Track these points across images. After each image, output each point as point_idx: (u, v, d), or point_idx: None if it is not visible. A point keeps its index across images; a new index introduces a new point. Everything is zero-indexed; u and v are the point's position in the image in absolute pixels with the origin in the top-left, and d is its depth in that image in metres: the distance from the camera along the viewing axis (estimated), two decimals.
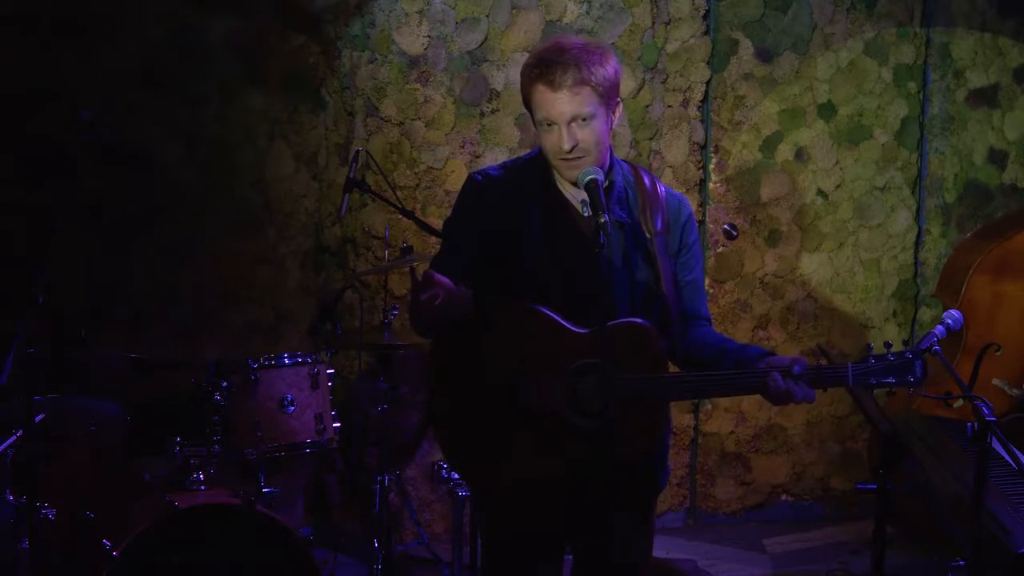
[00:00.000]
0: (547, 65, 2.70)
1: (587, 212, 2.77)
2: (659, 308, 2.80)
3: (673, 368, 2.83)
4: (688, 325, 2.87)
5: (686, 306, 2.88)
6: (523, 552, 2.86)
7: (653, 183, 2.87)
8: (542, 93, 2.70)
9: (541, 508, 2.80)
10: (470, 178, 2.90)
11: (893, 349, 2.69)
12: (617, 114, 2.79)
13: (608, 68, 2.72)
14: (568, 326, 2.72)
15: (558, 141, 2.71)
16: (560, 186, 2.83)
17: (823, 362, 2.73)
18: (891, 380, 2.67)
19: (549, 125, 2.72)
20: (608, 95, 2.72)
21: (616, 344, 2.63)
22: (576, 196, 2.81)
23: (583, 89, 2.68)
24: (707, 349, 2.83)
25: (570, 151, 2.70)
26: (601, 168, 2.76)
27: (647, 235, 2.81)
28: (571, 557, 2.95)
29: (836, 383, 2.71)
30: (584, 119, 2.70)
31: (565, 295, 2.75)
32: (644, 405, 2.71)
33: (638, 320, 2.70)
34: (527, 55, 4.87)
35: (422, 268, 3.09)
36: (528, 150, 4.99)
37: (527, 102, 2.78)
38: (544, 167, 2.84)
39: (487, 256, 2.81)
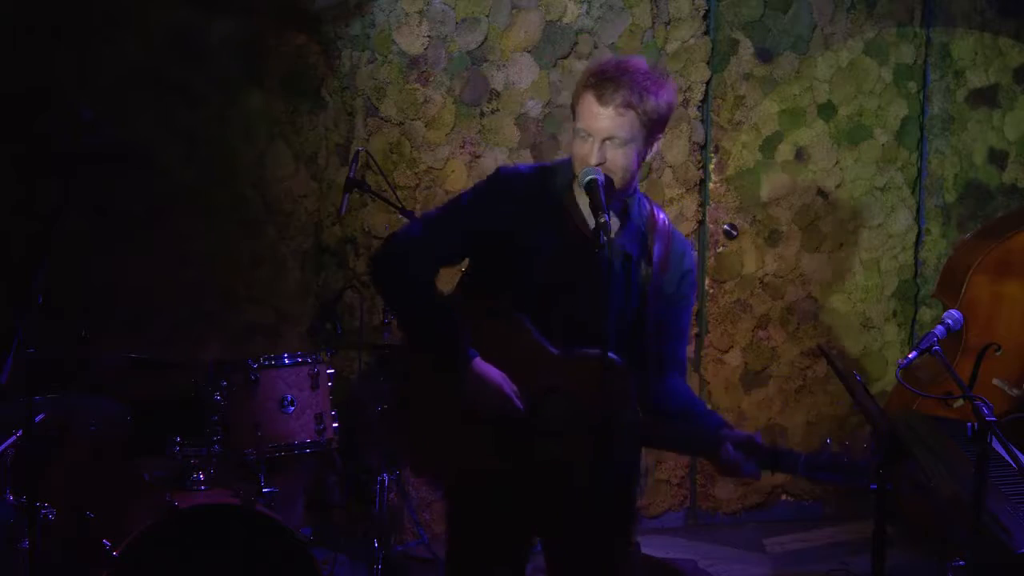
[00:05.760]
0: (602, 78, 2.68)
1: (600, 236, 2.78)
2: (639, 345, 2.79)
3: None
4: (665, 370, 2.86)
5: (666, 350, 2.86)
6: (483, 552, 2.87)
7: (666, 224, 2.86)
8: (588, 103, 2.69)
9: (504, 510, 2.80)
10: (499, 170, 2.88)
11: (851, 453, 2.66)
12: (655, 148, 2.76)
13: (661, 100, 2.70)
14: (545, 344, 2.73)
15: (587, 153, 2.70)
16: (579, 201, 2.81)
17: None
18: (839, 479, 2.65)
19: (585, 136, 2.71)
20: (652, 126, 2.71)
21: (587, 373, 2.62)
22: (590, 217, 2.77)
23: (628, 112, 2.66)
24: (674, 403, 2.83)
25: (595, 167, 2.68)
26: (623, 193, 2.76)
27: (646, 274, 2.80)
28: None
29: (785, 468, 2.69)
30: (620, 142, 2.68)
31: (562, 310, 2.75)
32: (600, 437, 2.67)
33: (612, 356, 2.63)
34: (527, 55, 4.96)
35: None
36: (528, 150, 5.04)
37: (572, 108, 2.76)
38: (567, 179, 2.82)
39: (485, 242, 2.80)
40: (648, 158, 2.79)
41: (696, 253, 2.94)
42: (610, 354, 2.62)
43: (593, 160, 2.69)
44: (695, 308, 5.22)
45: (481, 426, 2.74)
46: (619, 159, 2.70)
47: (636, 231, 2.81)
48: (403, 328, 2.99)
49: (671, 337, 2.87)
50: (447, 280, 2.96)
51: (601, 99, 2.67)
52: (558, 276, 2.77)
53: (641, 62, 2.76)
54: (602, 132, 2.68)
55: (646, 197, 2.90)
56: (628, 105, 2.66)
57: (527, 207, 2.78)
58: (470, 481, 2.80)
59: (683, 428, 2.75)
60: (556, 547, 2.92)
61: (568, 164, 2.83)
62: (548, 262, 2.77)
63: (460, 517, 2.92)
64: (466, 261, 2.94)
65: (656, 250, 2.81)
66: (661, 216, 2.87)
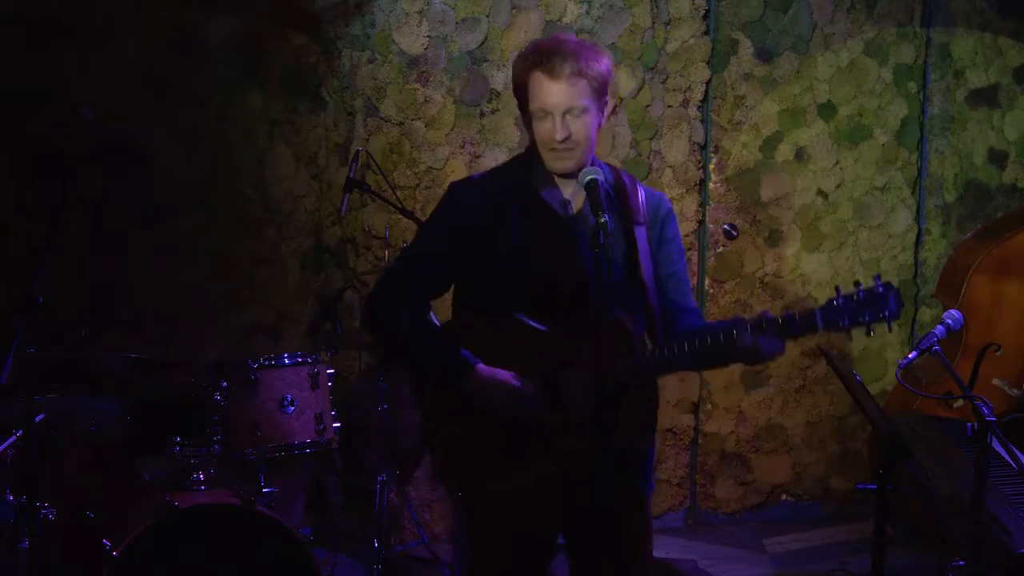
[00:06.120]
0: (546, 54, 2.71)
1: (569, 212, 2.80)
2: (641, 304, 2.79)
3: None
4: (676, 318, 2.86)
5: (671, 298, 2.87)
6: (511, 555, 2.86)
7: (633, 182, 2.88)
8: (539, 81, 2.72)
9: (529, 511, 2.80)
10: (451, 186, 2.93)
11: (864, 285, 2.60)
12: (605, 114, 2.80)
13: (603, 65, 2.74)
14: (536, 326, 2.74)
15: (551, 131, 2.72)
16: (540, 186, 2.83)
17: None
18: (865, 318, 2.59)
19: (544, 115, 2.73)
20: (601, 91, 2.74)
21: (588, 336, 2.65)
22: (555, 196, 2.82)
23: (580, 81, 2.70)
24: (693, 333, 2.82)
25: (562, 141, 2.71)
26: (586, 163, 2.77)
27: (627, 233, 2.81)
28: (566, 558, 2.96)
29: (806, 330, 2.65)
30: (578, 111, 2.71)
31: (546, 295, 2.76)
32: (629, 391, 2.70)
33: (609, 312, 2.66)
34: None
35: None
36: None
37: (520, 92, 2.78)
38: (526, 168, 2.84)
39: (466, 257, 2.82)
40: (603, 124, 2.81)
41: (671, 200, 2.95)
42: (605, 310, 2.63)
43: (559, 135, 2.71)
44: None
45: (497, 430, 2.74)
46: (581, 129, 2.73)
47: (607, 198, 2.80)
48: (409, 367, 3.00)
49: (672, 285, 2.87)
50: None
51: (552, 74, 2.70)
52: (543, 259, 2.78)
53: (572, 36, 2.82)
54: (561, 106, 2.71)
55: (606, 164, 2.90)
56: (579, 74, 2.69)
57: (494, 203, 2.80)
58: (493, 486, 2.80)
59: (696, 340, 2.70)
60: (579, 540, 2.90)
61: (518, 158, 2.88)
62: (530, 248, 2.78)
63: (483, 523, 2.89)
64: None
65: (636, 217, 2.82)
66: (627, 178, 2.88)
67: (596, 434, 2.66)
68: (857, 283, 2.63)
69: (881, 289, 2.59)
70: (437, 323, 2.90)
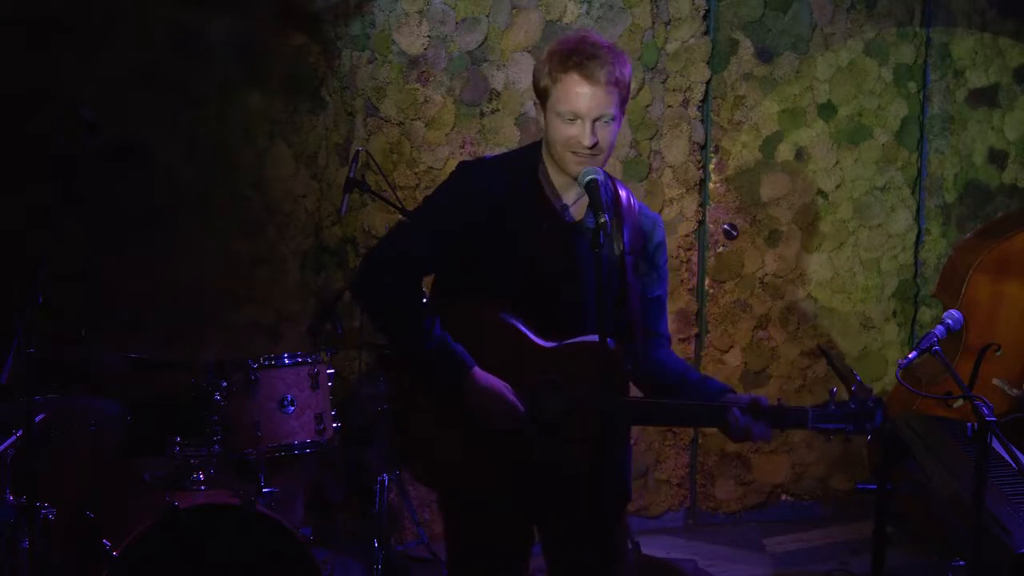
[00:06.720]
0: (585, 57, 2.66)
1: (569, 219, 2.79)
2: (624, 323, 2.78)
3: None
4: (649, 343, 2.86)
5: (648, 322, 2.86)
6: (487, 554, 2.88)
7: (629, 199, 2.86)
8: (574, 83, 2.66)
9: (501, 513, 2.81)
10: (463, 167, 2.87)
11: (857, 393, 2.66)
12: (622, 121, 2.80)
13: (629, 72, 2.72)
14: (533, 338, 2.72)
15: (579, 135, 2.68)
16: (546, 189, 2.81)
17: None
18: (850, 428, 2.66)
19: (572, 118, 2.68)
20: (625, 100, 2.73)
21: (581, 362, 2.64)
22: (560, 200, 2.80)
23: (614, 90, 2.67)
24: (668, 374, 2.84)
25: (590, 148, 2.67)
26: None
27: (618, 251, 2.79)
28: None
29: (794, 424, 2.70)
30: (608, 119, 2.68)
31: (541, 298, 2.75)
32: (602, 423, 2.68)
33: (607, 341, 2.62)
34: (527, 55, 4.95)
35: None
36: None
37: (545, 91, 2.72)
38: (534, 165, 2.81)
39: (466, 245, 2.79)
40: (618, 130, 2.79)
41: (664, 225, 2.96)
42: (606, 339, 2.60)
43: (587, 140, 2.66)
44: (692, 293, 5.25)
45: (477, 430, 2.74)
46: (608, 137, 2.70)
47: (604, 210, 2.78)
48: (396, 348, 2.95)
49: (652, 310, 2.87)
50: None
51: (590, 78, 2.65)
52: (540, 262, 2.76)
53: (601, 37, 2.76)
54: (594, 111, 2.66)
55: (605, 172, 2.87)
56: (615, 82, 2.66)
57: (500, 196, 2.77)
58: (469, 484, 2.80)
59: (687, 400, 2.73)
60: (555, 540, 2.91)
61: (526, 154, 2.84)
62: (528, 249, 2.76)
63: (460, 522, 2.91)
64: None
65: (626, 230, 2.81)
66: (624, 192, 2.86)
67: (581, 453, 2.65)
68: (852, 387, 2.68)
69: (871, 403, 2.65)
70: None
